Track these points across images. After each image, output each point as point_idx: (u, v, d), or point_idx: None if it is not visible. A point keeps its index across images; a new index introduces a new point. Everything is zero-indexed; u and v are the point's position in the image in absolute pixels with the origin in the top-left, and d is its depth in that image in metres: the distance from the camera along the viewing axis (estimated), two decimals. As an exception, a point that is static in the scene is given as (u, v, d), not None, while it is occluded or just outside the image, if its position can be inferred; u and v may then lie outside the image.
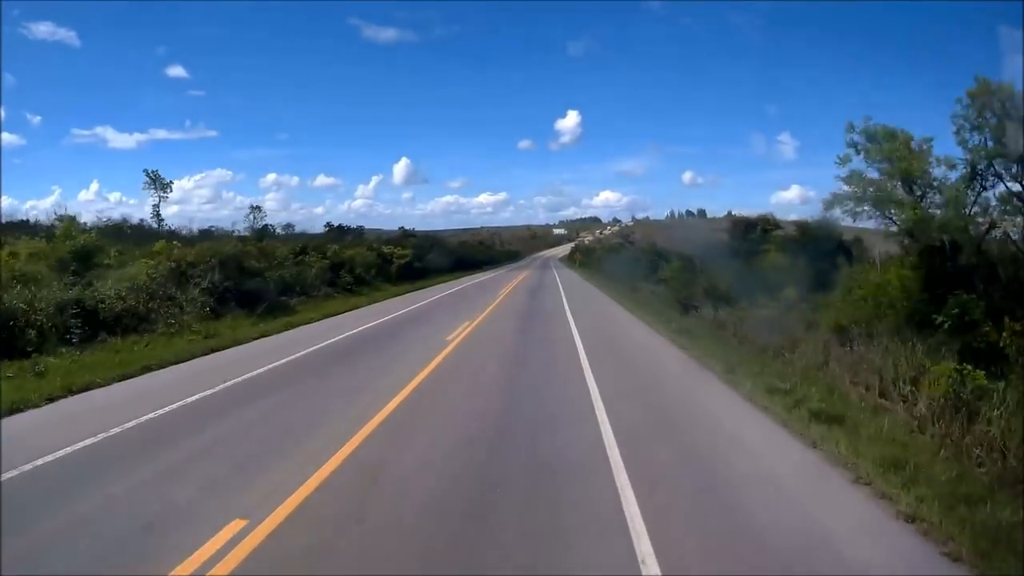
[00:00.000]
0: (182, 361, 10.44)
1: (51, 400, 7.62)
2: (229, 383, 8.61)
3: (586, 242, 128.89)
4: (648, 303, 21.56)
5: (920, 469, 4.88)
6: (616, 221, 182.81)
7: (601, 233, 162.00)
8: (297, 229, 39.52)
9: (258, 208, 36.21)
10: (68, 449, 5.71)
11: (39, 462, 5.35)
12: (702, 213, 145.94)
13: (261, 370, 9.64)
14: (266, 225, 36.83)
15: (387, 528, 4.04)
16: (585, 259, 67.65)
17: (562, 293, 26.78)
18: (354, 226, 46.20)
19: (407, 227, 54.09)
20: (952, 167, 12.58)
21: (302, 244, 27.66)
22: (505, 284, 33.04)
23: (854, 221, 13.54)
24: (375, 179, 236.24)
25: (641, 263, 34.64)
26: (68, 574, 3.55)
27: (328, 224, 46.06)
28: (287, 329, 15.15)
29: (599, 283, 35.07)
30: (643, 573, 3.43)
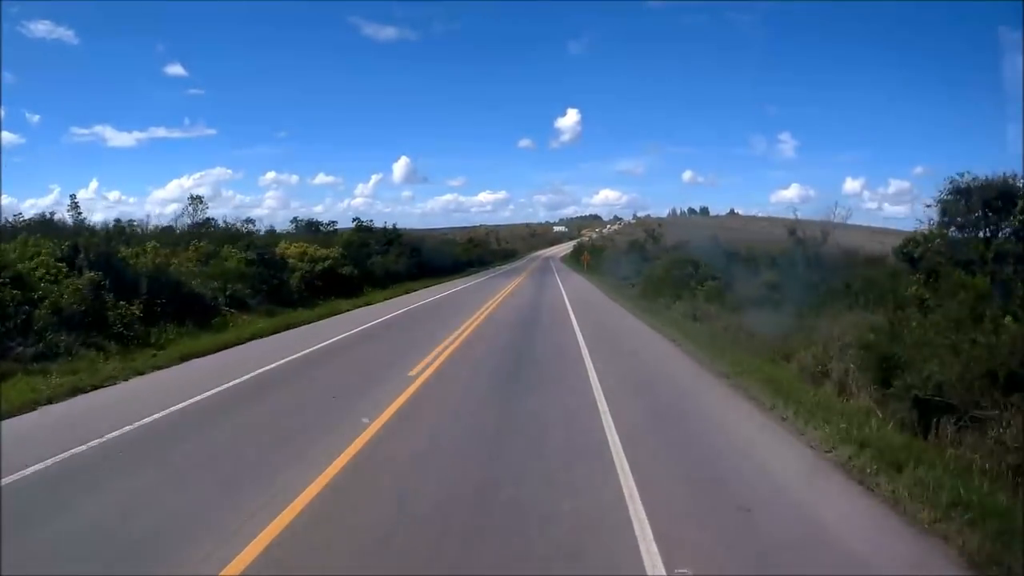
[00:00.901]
0: None
1: None
2: None
3: (589, 239, 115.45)
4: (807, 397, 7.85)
5: None
6: (617, 219, 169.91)
7: (601, 231, 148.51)
8: (266, 224, 30.92)
9: (199, 199, 25.28)
10: None
11: None
12: (704, 211, 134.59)
13: None
14: (208, 219, 24.97)
15: None
16: (593, 261, 54.18)
17: (582, 347, 12.84)
18: (326, 221, 37.26)
19: (400, 225, 44.52)
20: None
21: (72, 244, 13.89)
22: (473, 311, 19.24)
23: None
24: (375, 178, 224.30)
25: (701, 271, 21.06)
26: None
27: (295, 219, 37.35)
28: None
29: (630, 303, 21.56)
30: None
